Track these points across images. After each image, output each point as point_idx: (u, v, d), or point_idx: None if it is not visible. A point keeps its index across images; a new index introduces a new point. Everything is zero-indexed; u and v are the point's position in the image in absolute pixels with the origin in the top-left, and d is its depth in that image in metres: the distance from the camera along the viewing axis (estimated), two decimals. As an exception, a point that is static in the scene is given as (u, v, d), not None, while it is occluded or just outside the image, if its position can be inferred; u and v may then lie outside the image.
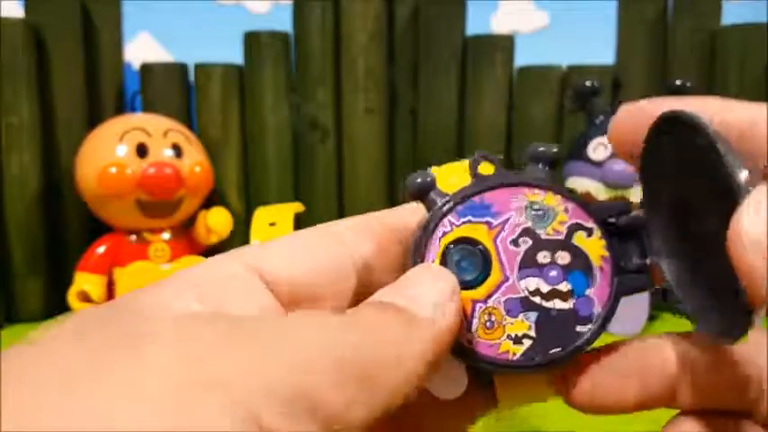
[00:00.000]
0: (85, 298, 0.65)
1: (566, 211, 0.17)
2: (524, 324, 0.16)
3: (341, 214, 0.79)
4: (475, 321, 0.16)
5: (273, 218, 0.61)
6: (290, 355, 0.12)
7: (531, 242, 0.17)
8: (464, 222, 0.17)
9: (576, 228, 0.17)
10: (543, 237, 0.17)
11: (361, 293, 0.16)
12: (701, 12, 0.73)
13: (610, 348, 0.17)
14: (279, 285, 0.15)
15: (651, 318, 0.65)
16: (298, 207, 0.64)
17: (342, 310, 0.16)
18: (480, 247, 0.17)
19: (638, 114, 0.17)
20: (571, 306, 0.17)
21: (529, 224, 0.17)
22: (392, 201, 0.80)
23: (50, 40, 0.72)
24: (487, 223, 0.17)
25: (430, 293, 0.15)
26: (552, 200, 0.17)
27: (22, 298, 0.69)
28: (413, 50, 0.77)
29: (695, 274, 0.16)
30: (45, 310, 0.70)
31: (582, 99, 0.65)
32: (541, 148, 0.18)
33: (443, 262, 0.17)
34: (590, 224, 0.17)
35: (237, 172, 0.78)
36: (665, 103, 0.17)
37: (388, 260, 0.17)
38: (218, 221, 0.70)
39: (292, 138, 0.79)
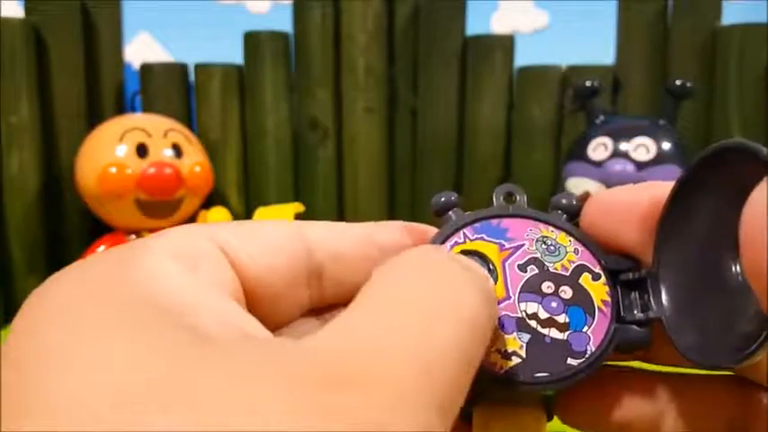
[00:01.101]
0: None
1: (576, 252, 0.18)
2: (516, 342, 0.16)
3: (341, 214, 0.80)
4: None
5: (273, 217, 0.61)
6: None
7: (537, 271, 0.17)
8: (478, 238, 0.18)
9: (583, 269, 0.18)
10: (551, 269, 0.17)
11: (316, 299, 0.16)
12: (701, 11, 0.73)
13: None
14: (244, 276, 0.15)
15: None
16: (298, 207, 0.64)
17: (298, 300, 0.16)
18: (489, 263, 0.17)
19: (613, 201, 0.18)
20: (566, 338, 0.17)
21: (538, 255, 0.17)
22: (392, 201, 0.80)
23: (50, 40, 0.72)
24: (500, 245, 0.18)
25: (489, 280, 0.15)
26: (565, 240, 0.18)
27: (22, 297, 0.68)
28: (413, 50, 0.77)
29: (695, 322, 0.16)
30: (45, 310, 0.70)
31: (582, 99, 0.65)
32: (564, 201, 0.19)
33: None
34: (597, 269, 0.18)
35: (237, 172, 0.78)
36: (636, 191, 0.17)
37: (346, 272, 0.17)
38: (218, 221, 0.70)
39: (292, 138, 0.79)
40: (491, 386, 0.16)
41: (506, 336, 0.16)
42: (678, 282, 0.17)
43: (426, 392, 0.11)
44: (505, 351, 0.16)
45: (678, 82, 0.62)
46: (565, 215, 0.19)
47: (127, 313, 0.12)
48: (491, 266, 0.17)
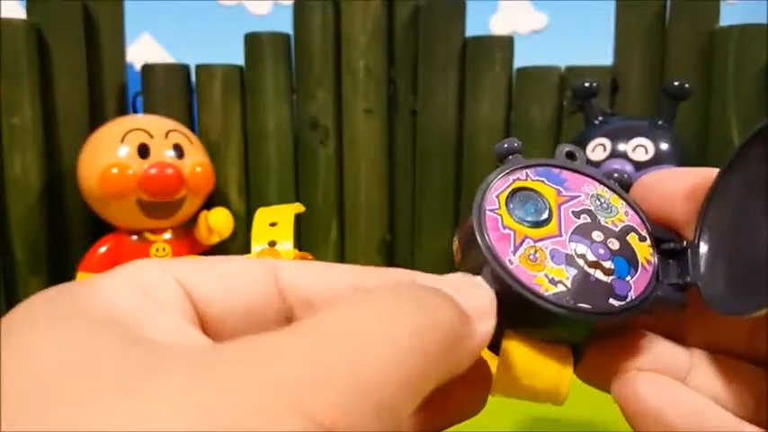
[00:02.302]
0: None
1: (626, 214, 0.19)
2: (563, 273, 0.17)
3: (341, 214, 0.80)
4: (521, 250, 0.17)
5: (274, 218, 0.61)
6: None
7: (589, 220, 0.18)
8: (539, 180, 0.19)
9: (631, 229, 0.19)
10: (602, 222, 0.18)
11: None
12: (699, 12, 0.73)
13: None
14: (203, 313, 0.15)
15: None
16: (298, 207, 0.64)
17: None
18: (546, 202, 0.18)
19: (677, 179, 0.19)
20: (609, 281, 0.17)
21: (592, 209, 0.19)
22: (392, 201, 0.81)
23: (52, 41, 0.72)
24: (558, 190, 0.19)
25: (483, 297, 0.15)
26: (618, 202, 0.19)
27: (25, 298, 0.69)
28: (413, 51, 0.78)
29: (731, 291, 0.17)
30: (47, 310, 0.70)
31: (580, 100, 0.66)
32: (616, 174, 0.20)
33: (509, 197, 0.18)
34: (644, 233, 0.19)
35: (238, 172, 0.79)
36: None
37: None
38: (219, 221, 0.71)
39: (293, 138, 0.79)
40: (532, 307, 0.16)
41: (555, 266, 0.17)
42: (716, 253, 0.18)
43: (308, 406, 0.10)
44: (552, 278, 0.17)
45: (676, 83, 0.63)
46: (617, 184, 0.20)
47: (74, 322, 0.12)
48: (547, 206, 0.18)
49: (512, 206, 0.18)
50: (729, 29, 0.72)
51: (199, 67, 0.77)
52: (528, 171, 0.19)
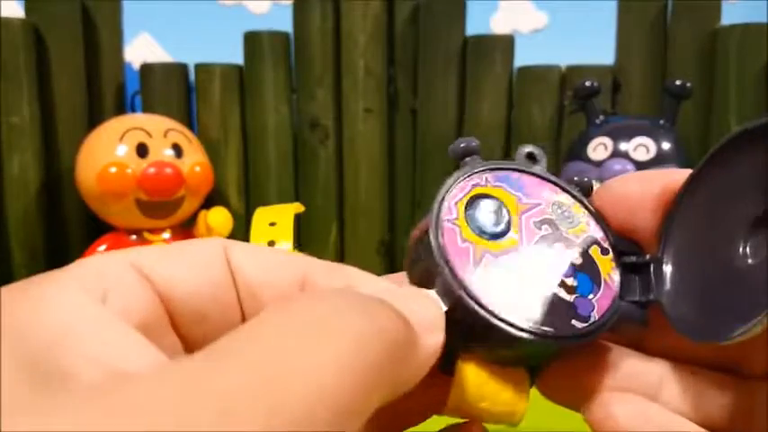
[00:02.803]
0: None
1: (588, 224, 0.18)
2: None
3: (341, 214, 0.80)
4: (480, 266, 0.16)
5: (273, 218, 0.61)
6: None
7: (551, 231, 0.17)
8: (499, 186, 0.18)
9: (593, 241, 0.18)
10: (564, 234, 0.17)
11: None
12: (700, 12, 0.73)
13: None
14: (168, 299, 0.15)
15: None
16: (298, 207, 0.64)
17: (232, 319, 0.15)
18: (507, 211, 0.17)
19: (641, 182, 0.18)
20: (572, 300, 0.17)
21: (554, 218, 0.18)
22: (392, 201, 0.81)
23: (50, 40, 0.72)
24: (518, 198, 0.18)
25: (430, 309, 0.15)
26: (579, 210, 0.18)
27: (23, 298, 0.69)
28: (413, 50, 0.77)
29: (696, 308, 0.16)
30: (45, 310, 0.70)
31: (582, 99, 0.65)
32: (576, 178, 0.19)
33: (468, 204, 0.17)
34: (606, 245, 0.18)
35: (238, 172, 0.79)
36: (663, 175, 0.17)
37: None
38: (218, 221, 0.71)
39: (292, 138, 0.79)
40: (491, 330, 0.16)
41: None
42: (681, 268, 0.17)
43: (254, 410, 0.10)
44: None
45: (678, 82, 0.62)
46: (580, 192, 0.19)
47: None
48: (507, 215, 0.17)
49: (470, 216, 0.17)
50: (731, 28, 0.71)
51: (198, 67, 0.77)
52: (487, 176, 0.18)
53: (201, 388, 0.10)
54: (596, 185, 0.19)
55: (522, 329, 0.16)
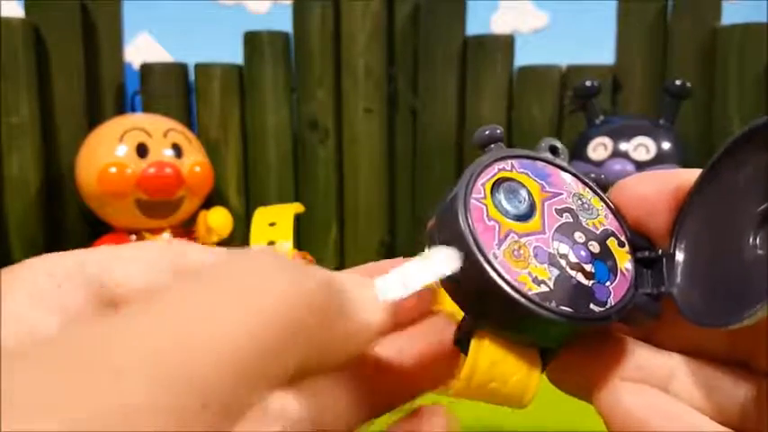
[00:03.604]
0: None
1: (606, 217, 0.18)
2: (546, 273, 0.16)
3: (341, 214, 0.80)
4: (505, 244, 0.17)
5: (273, 218, 0.61)
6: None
7: (571, 220, 0.18)
8: (524, 172, 0.18)
9: (611, 233, 0.18)
10: (583, 224, 0.18)
11: None
12: (700, 11, 0.73)
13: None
14: (120, 298, 0.15)
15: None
16: (298, 207, 0.64)
17: None
18: (531, 196, 0.18)
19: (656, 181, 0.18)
20: (590, 285, 0.17)
21: (574, 208, 0.18)
22: (392, 201, 0.80)
23: (50, 40, 0.72)
24: (542, 185, 0.18)
25: (370, 294, 0.15)
26: (598, 204, 0.19)
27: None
28: (413, 50, 0.77)
29: (708, 301, 0.17)
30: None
31: (582, 99, 0.65)
32: (593, 175, 0.19)
33: (494, 186, 0.17)
34: (623, 238, 0.18)
35: (237, 172, 0.78)
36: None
37: None
38: (218, 221, 0.71)
39: (292, 138, 0.79)
40: (513, 306, 0.16)
41: (538, 264, 0.16)
42: (692, 262, 0.17)
43: (153, 374, 0.10)
44: (536, 277, 0.16)
45: (678, 82, 0.62)
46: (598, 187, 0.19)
47: None
48: (531, 200, 0.18)
49: (497, 197, 0.17)
50: (731, 27, 0.71)
51: (198, 66, 0.77)
52: (513, 162, 0.18)
53: (96, 350, 0.10)
54: None
55: (543, 307, 0.16)
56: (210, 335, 0.11)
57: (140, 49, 0.85)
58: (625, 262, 0.18)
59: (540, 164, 0.19)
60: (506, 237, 0.17)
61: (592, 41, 0.82)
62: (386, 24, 0.77)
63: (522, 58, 0.76)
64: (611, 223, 0.18)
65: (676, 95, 0.63)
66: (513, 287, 0.16)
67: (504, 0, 0.87)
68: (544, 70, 0.75)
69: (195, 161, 0.68)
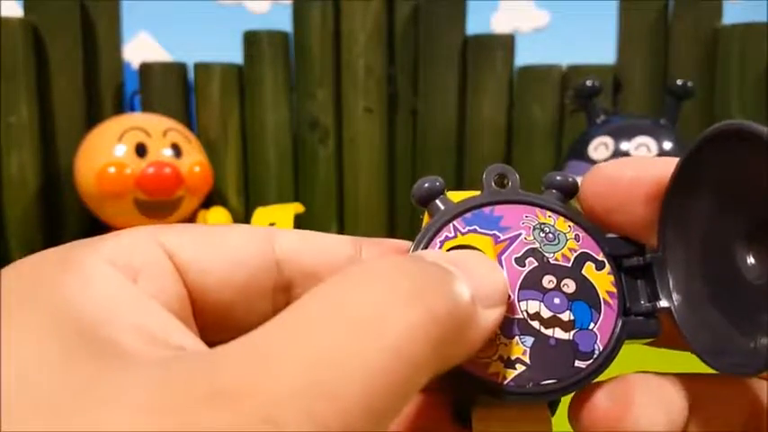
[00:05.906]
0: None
1: (576, 238, 0.16)
2: (519, 348, 0.15)
3: (341, 214, 0.79)
4: None
5: (273, 218, 0.61)
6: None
7: (536, 264, 0.16)
8: (470, 231, 0.16)
9: (586, 258, 0.16)
10: (551, 261, 0.16)
11: (280, 291, 0.15)
12: (701, 11, 0.73)
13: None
14: (193, 287, 0.14)
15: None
16: (297, 207, 0.64)
17: (260, 312, 0.15)
18: None
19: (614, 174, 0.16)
20: (571, 338, 0.15)
21: (537, 245, 0.16)
22: (392, 200, 0.80)
23: (49, 40, 0.72)
24: (494, 237, 0.16)
25: (495, 282, 0.14)
26: (564, 226, 0.16)
27: (21, 298, 0.69)
28: (413, 50, 0.77)
29: (706, 315, 0.16)
30: (44, 311, 0.69)
31: (583, 99, 0.65)
32: (559, 178, 0.17)
33: None
34: (601, 257, 0.16)
35: (237, 171, 0.78)
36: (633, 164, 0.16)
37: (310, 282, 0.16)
38: (217, 221, 0.70)
39: (292, 137, 0.79)
40: (494, 398, 0.15)
41: (507, 341, 0.15)
42: (685, 267, 0.16)
43: (307, 407, 0.10)
44: (508, 359, 0.15)
45: (679, 82, 0.62)
46: (560, 194, 0.17)
47: (41, 319, 0.11)
48: None
49: None
50: (732, 27, 0.71)
51: (197, 66, 0.77)
52: (455, 224, 0.16)
53: (246, 392, 0.10)
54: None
55: (523, 393, 0.15)
56: (354, 369, 0.11)
57: (139, 48, 0.85)
58: (607, 286, 0.16)
59: (486, 209, 0.16)
60: None
61: (592, 41, 0.81)
62: (386, 24, 0.77)
63: (523, 57, 0.76)
64: (583, 243, 0.16)
65: (678, 95, 0.62)
66: (485, 385, 0.15)
67: (504, 0, 0.87)
68: (545, 70, 0.75)
69: (194, 161, 0.68)
